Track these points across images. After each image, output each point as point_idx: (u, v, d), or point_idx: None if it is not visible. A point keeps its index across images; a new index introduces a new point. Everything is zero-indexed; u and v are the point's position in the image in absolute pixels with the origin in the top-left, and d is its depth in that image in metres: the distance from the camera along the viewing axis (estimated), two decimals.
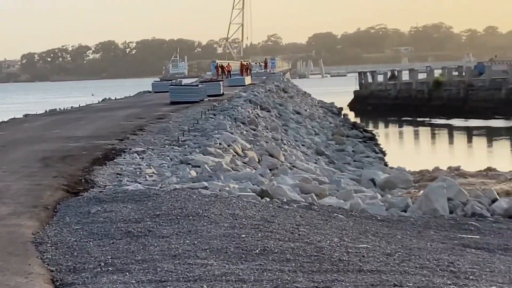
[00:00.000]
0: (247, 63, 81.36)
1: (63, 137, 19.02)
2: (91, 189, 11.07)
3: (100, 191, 10.78)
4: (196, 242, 6.93)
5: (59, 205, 9.74)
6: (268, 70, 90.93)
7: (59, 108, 37.67)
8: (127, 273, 5.89)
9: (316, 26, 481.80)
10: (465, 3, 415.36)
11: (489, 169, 20.28)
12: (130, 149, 15.95)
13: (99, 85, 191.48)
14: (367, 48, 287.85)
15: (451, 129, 50.73)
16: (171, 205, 9.08)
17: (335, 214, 9.87)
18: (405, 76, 74.23)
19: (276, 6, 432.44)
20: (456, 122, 54.90)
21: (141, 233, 7.52)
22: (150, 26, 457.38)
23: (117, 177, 12.38)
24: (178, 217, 8.31)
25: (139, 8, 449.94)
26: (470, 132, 47.22)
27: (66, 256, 6.66)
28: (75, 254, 6.74)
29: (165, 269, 5.92)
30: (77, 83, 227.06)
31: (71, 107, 37.55)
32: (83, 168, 13.00)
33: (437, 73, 71.30)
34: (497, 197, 12.28)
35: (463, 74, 68.85)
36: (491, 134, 44.98)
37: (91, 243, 7.19)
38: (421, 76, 73.87)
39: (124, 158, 14.55)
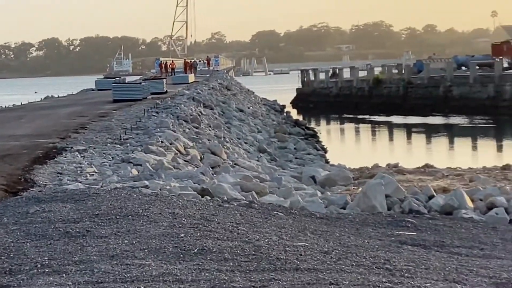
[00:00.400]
0: (191, 61, 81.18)
1: (3, 135, 18.72)
2: (31, 189, 10.94)
3: (40, 191, 10.66)
4: (134, 242, 6.91)
5: None
6: (212, 68, 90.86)
7: (0, 106, 37.01)
8: (64, 275, 5.85)
9: (259, 24, 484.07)
10: (404, 2, 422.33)
11: (426, 165, 20.66)
12: (72, 147, 15.81)
13: (42, 82, 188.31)
14: (309, 46, 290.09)
15: (390, 126, 51.56)
16: (110, 204, 9.02)
17: (275, 212, 9.94)
18: (346, 74, 75.18)
19: (220, 4, 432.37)
20: (395, 119, 55.79)
21: (80, 234, 7.46)
22: (94, 24, 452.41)
23: (58, 176, 12.26)
24: (118, 217, 8.27)
25: (83, 5, 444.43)
26: (409, 129, 48.07)
27: (2, 257, 6.57)
28: (11, 255, 6.65)
29: (103, 270, 5.89)
30: (20, 81, 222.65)
31: (13, 105, 36.91)
32: (23, 167, 12.83)
33: (377, 70, 72.31)
34: (434, 193, 12.53)
35: (403, 71, 69.97)
36: (429, 131, 45.86)
37: (28, 244, 7.10)
38: (362, 74, 74.86)
39: (65, 157, 14.42)
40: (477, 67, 59.79)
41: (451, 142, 40.88)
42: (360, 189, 13.45)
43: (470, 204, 11.73)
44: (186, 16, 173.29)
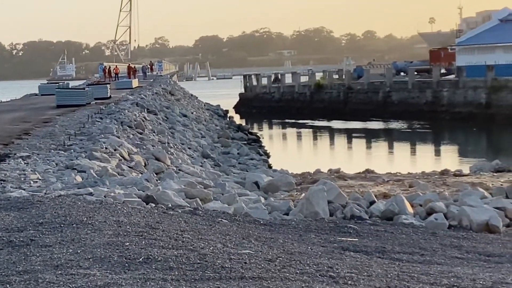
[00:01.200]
0: (135, 66, 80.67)
1: None
2: None
3: None
4: (79, 251, 6.89)
5: None
6: (155, 73, 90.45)
7: None
8: (7, 285, 5.81)
9: (202, 29, 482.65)
10: (345, 9, 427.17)
11: (367, 170, 21.03)
12: (15, 154, 15.59)
13: None
14: (252, 51, 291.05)
15: (331, 130, 52.21)
16: (55, 212, 8.97)
17: (219, 219, 10.02)
18: (288, 79, 75.78)
19: (164, 9, 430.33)
20: (336, 124, 56.51)
21: (23, 243, 7.40)
22: (37, 28, 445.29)
23: (1, 183, 12.09)
24: (62, 225, 8.22)
25: (26, 9, 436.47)
26: (349, 134, 48.76)
27: None
28: None
29: (47, 280, 5.87)
30: None
31: None
32: None
33: (318, 76, 73.13)
34: (375, 199, 12.78)
35: (343, 77, 70.92)
36: (370, 136, 46.63)
37: None
38: (304, 79, 75.59)
39: (8, 164, 14.22)
40: (416, 73, 61.05)
41: (391, 147, 41.62)
42: (303, 195, 13.64)
43: (410, 209, 12.00)
44: (130, 21, 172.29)
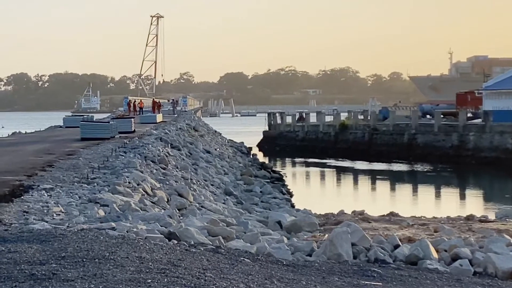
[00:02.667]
0: (159, 101, 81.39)
1: None
2: None
3: (5, 230, 10.51)
4: (101, 287, 6.85)
5: None
6: (181, 108, 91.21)
7: None
8: None
9: (228, 66, 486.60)
10: (371, 49, 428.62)
11: (391, 214, 20.84)
12: (38, 186, 15.65)
13: (10, 117, 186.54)
14: (276, 89, 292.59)
15: (356, 171, 51.94)
16: (77, 246, 8.94)
17: (242, 258, 9.93)
18: (313, 118, 75.84)
19: (189, 45, 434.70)
20: (360, 165, 56.25)
21: (45, 276, 7.37)
22: (63, 60, 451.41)
23: (24, 215, 12.11)
24: (84, 260, 8.19)
25: (53, 41, 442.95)
26: (374, 175, 48.47)
27: None
28: None
29: None
30: None
31: None
32: None
33: (343, 116, 73.09)
34: (399, 243, 12.63)
35: (368, 118, 70.80)
36: (394, 178, 46.32)
37: None
38: (328, 118, 75.59)
39: (31, 195, 14.26)
40: (442, 116, 60.78)
41: (415, 189, 41.28)
42: (326, 236, 13.51)
43: (435, 254, 11.83)
44: (156, 56, 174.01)
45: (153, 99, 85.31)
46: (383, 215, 20.33)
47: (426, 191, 40.71)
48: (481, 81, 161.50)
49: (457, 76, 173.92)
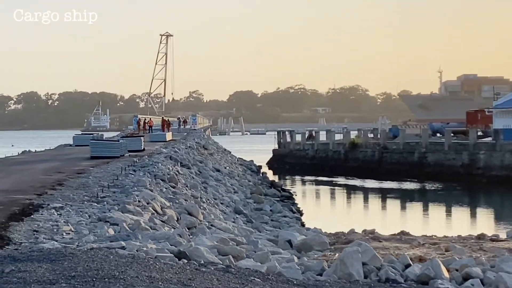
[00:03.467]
0: (168, 119, 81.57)
1: None
2: (6, 247, 10.79)
3: (16, 249, 10.52)
4: None
5: None
6: (190, 127, 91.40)
7: None
8: None
9: (237, 84, 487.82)
10: (380, 68, 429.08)
11: (402, 232, 20.74)
12: (48, 204, 15.67)
13: (19, 136, 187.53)
14: (286, 107, 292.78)
15: (366, 190, 51.78)
16: (87, 265, 8.93)
17: (252, 278, 9.88)
18: (323, 137, 75.78)
19: (199, 63, 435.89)
20: (370, 183, 56.09)
21: None
22: (72, 78, 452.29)
23: (34, 234, 12.12)
24: (94, 279, 8.17)
25: (62, 60, 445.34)
26: (384, 194, 48.31)
27: None
28: None
29: None
30: None
31: None
32: None
33: (353, 134, 73.02)
34: (410, 262, 12.56)
35: (378, 136, 70.70)
36: (404, 197, 46.14)
37: None
38: (338, 137, 75.54)
39: (41, 214, 14.28)
40: (452, 135, 60.62)
41: (426, 208, 41.10)
42: (336, 255, 13.46)
43: (446, 274, 11.76)
44: (165, 74, 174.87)
45: (162, 117, 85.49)
46: (394, 234, 20.24)
47: (437, 210, 40.54)
48: (470, 99, 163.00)
49: (446, 95, 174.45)
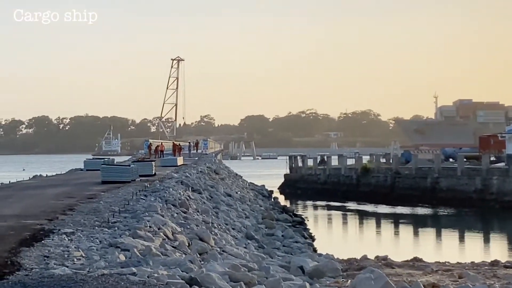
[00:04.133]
0: (179, 143, 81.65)
1: None
2: (17, 272, 10.73)
3: (26, 275, 10.47)
4: None
5: None
6: (201, 151, 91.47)
7: None
8: None
9: (248, 109, 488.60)
10: (392, 93, 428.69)
11: (415, 259, 20.57)
12: (59, 230, 15.63)
13: (30, 160, 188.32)
14: (297, 132, 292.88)
15: (378, 215, 51.51)
16: None
17: None
18: (334, 162, 75.57)
19: (210, 88, 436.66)
20: (383, 208, 55.82)
21: None
22: (84, 103, 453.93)
23: (45, 259, 12.07)
24: None
25: (74, 84, 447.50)
26: (397, 220, 48.02)
27: None
28: None
29: None
30: (9, 158, 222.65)
31: (1, 183, 36.62)
32: (10, 249, 12.64)
33: (365, 159, 72.84)
34: None
35: (391, 161, 70.48)
36: (417, 222, 45.86)
37: None
38: (350, 161, 75.35)
39: (52, 240, 14.23)
40: (465, 160, 60.34)
41: (439, 234, 40.80)
42: (349, 281, 13.33)
43: None
44: (176, 99, 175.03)
45: (173, 142, 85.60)
46: (407, 261, 20.07)
47: (450, 236, 40.24)
48: (465, 124, 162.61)
49: (442, 120, 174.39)
